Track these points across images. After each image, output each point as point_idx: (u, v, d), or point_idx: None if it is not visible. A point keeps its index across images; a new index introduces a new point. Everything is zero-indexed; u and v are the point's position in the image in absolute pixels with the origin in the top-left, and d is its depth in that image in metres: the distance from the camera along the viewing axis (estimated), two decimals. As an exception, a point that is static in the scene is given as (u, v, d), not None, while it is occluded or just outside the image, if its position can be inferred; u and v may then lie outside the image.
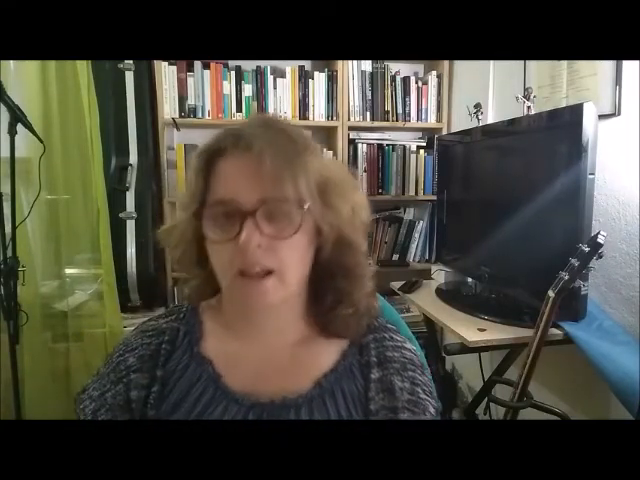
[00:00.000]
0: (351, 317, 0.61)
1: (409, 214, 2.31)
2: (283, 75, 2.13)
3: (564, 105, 1.44)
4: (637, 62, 1.24)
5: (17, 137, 1.43)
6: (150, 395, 0.56)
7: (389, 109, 2.22)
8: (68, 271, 1.89)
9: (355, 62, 2.16)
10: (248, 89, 2.10)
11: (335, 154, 2.18)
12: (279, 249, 0.53)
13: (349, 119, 2.18)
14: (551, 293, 1.09)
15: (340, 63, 2.13)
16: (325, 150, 2.21)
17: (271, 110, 2.12)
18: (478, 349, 1.31)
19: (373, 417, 0.57)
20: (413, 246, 2.29)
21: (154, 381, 0.57)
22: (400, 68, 2.28)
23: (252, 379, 0.58)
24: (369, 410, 0.58)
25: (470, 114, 1.71)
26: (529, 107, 1.42)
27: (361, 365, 0.61)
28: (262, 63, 2.11)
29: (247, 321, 0.61)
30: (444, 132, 2.25)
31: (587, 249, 1.04)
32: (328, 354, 0.61)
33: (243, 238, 0.50)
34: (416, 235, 2.28)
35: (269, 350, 0.61)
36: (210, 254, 0.56)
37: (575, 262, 1.05)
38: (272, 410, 0.56)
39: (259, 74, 2.11)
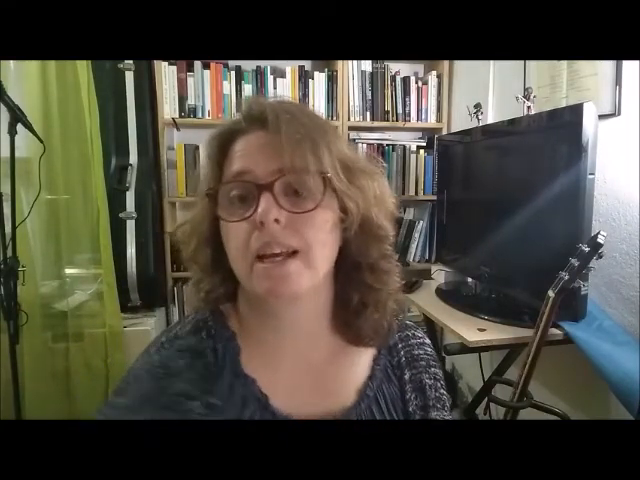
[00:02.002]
0: (379, 321, 0.57)
1: (409, 214, 2.32)
2: (283, 75, 2.13)
3: (564, 105, 1.44)
4: (637, 62, 1.24)
5: (17, 137, 1.44)
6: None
7: (389, 109, 2.23)
8: (68, 271, 1.89)
9: (355, 62, 2.16)
10: (248, 89, 2.10)
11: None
12: (301, 226, 0.47)
13: (349, 119, 2.18)
14: (551, 293, 1.09)
15: (340, 63, 2.14)
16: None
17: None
18: (478, 349, 1.31)
19: (411, 419, 0.57)
20: (413, 246, 2.29)
21: (211, 410, 0.50)
22: (400, 68, 2.28)
23: (296, 397, 0.54)
24: (408, 412, 0.58)
25: (470, 114, 1.71)
26: (529, 107, 1.42)
27: (393, 366, 0.60)
28: (262, 63, 2.12)
29: (274, 320, 0.55)
30: (444, 132, 2.26)
31: (587, 249, 1.04)
32: (361, 360, 0.59)
33: (259, 212, 0.46)
34: (416, 235, 2.28)
35: (305, 362, 0.56)
36: (225, 240, 0.51)
37: (575, 262, 1.05)
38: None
39: (259, 74, 2.11)
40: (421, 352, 0.62)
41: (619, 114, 1.31)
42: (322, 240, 0.49)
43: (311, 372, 0.56)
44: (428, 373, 0.61)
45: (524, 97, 1.44)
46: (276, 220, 0.46)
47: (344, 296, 0.57)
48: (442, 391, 0.62)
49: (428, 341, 0.65)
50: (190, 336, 0.55)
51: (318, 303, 0.56)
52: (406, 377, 0.60)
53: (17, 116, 1.41)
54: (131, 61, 1.99)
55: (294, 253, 0.48)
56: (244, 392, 0.52)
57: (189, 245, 0.55)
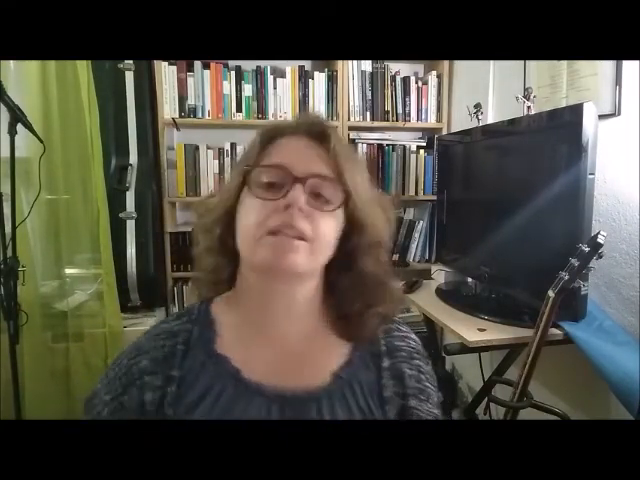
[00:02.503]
0: (377, 319, 0.63)
1: (409, 214, 2.32)
2: (283, 75, 2.13)
3: (564, 105, 1.44)
4: (637, 62, 1.24)
5: (17, 137, 1.44)
6: (166, 396, 0.55)
7: (389, 109, 2.22)
8: (68, 271, 1.89)
9: (355, 62, 2.16)
10: (248, 89, 2.10)
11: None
12: (315, 220, 0.56)
13: (349, 119, 2.18)
14: (551, 293, 1.09)
15: (340, 63, 2.13)
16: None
17: (271, 110, 2.12)
18: (478, 349, 1.31)
19: (387, 405, 0.59)
20: (413, 246, 2.29)
21: (169, 382, 0.56)
22: (400, 68, 2.28)
23: (271, 372, 0.58)
24: (383, 398, 0.60)
25: (470, 114, 1.71)
26: (529, 107, 1.41)
27: (372, 355, 0.63)
28: (262, 63, 2.11)
29: (263, 300, 0.60)
30: (444, 132, 2.25)
31: (587, 249, 1.04)
32: (341, 345, 0.63)
33: (289, 197, 0.54)
34: (416, 235, 2.28)
35: (285, 342, 0.61)
36: (243, 215, 0.58)
37: (575, 262, 1.05)
38: (295, 403, 0.56)
39: (259, 74, 2.11)
40: (403, 344, 0.65)
41: (619, 114, 1.31)
42: (327, 238, 0.58)
43: (288, 353, 0.60)
44: (409, 364, 0.64)
45: (524, 97, 1.44)
46: (300, 208, 0.54)
47: (340, 296, 0.63)
48: (427, 384, 0.64)
49: (413, 335, 0.68)
50: (172, 321, 0.63)
51: (308, 295, 0.62)
52: (384, 365, 0.62)
53: (17, 116, 1.41)
54: (131, 61, 1.99)
55: (301, 238, 0.55)
56: (216, 369, 0.58)
57: (207, 217, 0.62)
